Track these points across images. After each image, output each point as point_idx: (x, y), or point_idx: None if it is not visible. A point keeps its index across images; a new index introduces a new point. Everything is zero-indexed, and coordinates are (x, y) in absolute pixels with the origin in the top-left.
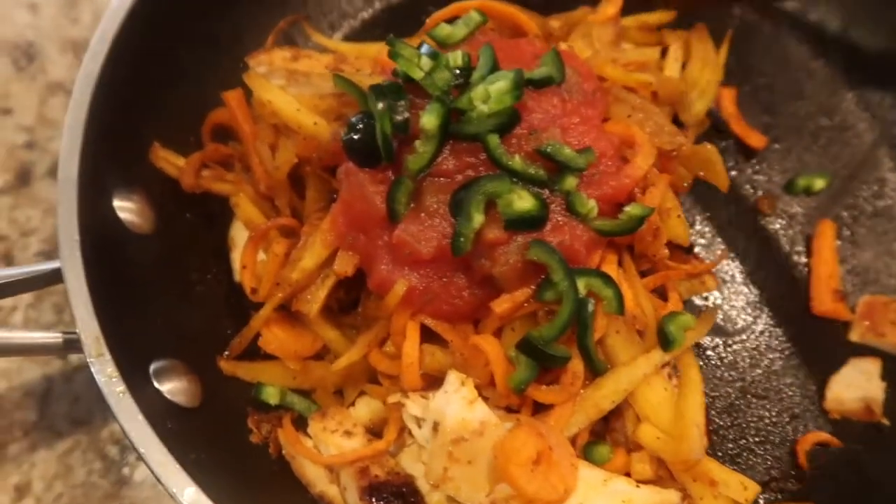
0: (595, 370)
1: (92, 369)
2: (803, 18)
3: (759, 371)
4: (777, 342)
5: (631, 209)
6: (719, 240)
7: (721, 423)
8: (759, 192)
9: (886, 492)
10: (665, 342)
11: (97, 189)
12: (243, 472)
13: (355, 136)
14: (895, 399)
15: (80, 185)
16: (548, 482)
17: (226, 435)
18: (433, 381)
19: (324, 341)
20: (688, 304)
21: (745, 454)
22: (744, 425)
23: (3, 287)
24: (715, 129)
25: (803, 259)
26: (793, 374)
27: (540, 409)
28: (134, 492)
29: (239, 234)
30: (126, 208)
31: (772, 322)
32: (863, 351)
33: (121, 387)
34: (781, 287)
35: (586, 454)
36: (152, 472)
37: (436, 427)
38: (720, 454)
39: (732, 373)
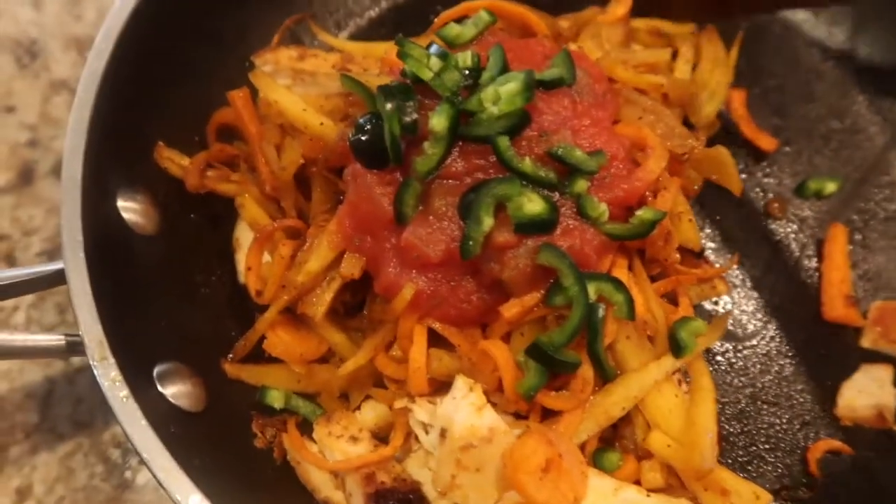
0: (605, 376)
1: (95, 373)
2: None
3: (770, 377)
4: (788, 348)
5: (642, 213)
6: (729, 244)
7: (731, 429)
8: (770, 196)
9: None
10: (676, 348)
11: (101, 189)
12: (247, 478)
13: (363, 137)
14: None
15: (84, 185)
16: (557, 490)
17: (230, 439)
18: (440, 387)
19: (329, 344)
20: (697, 309)
21: (755, 462)
22: (754, 432)
23: (5, 288)
24: (725, 131)
25: (814, 263)
26: (804, 380)
27: (548, 415)
28: (136, 495)
29: (244, 236)
30: (130, 209)
31: (782, 327)
32: (875, 357)
33: (124, 391)
34: (792, 292)
35: (595, 461)
36: (156, 478)
37: (443, 433)
38: (730, 461)
39: (742, 378)
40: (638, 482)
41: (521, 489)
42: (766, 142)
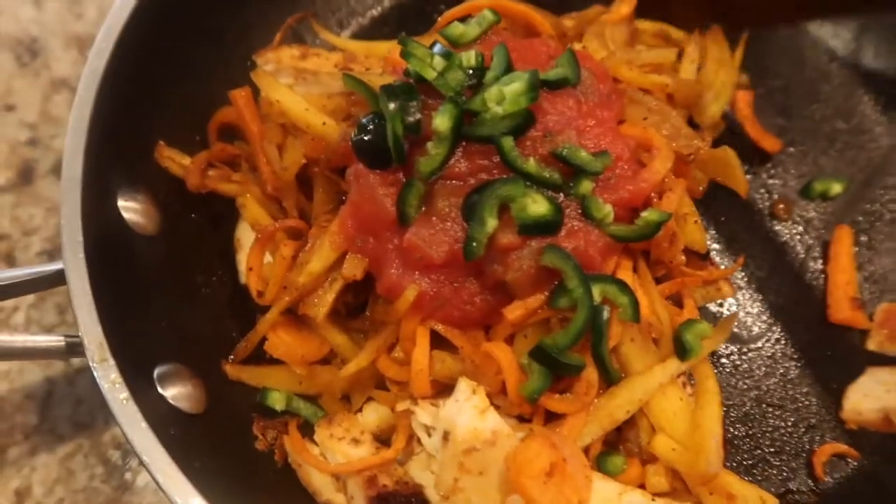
0: (609, 379)
1: (95, 375)
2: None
3: (775, 379)
4: (793, 350)
5: (648, 214)
6: (734, 245)
7: (736, 432)
8: (775, 197)
9: None
10: (681, 351)
11: (101, 189)
12: (248, 480)
13: (365, 137)
14: None
15: (84, 185)
16: (561, 495)
17: (230, 441)
18: (443, 389)
19: (331, 346)
20: (702, 311)
21: (760, 465)
22: (759, 435)
23: (5, 288)
24: (729, 132)
25: (820, 265)
26: (809, 383)
27: (552, 418)
28: (136, 497)
29: (245, 236)
30: (130, 208)
31: (787, 330)
32: (881, 360)
33: (124, 393)
34: (797, 294)
35: (599, 465)
36: (156, 481)
37: (446, 436)
38: (735, 465)
39: (747, 381)
40: (642, 486)
41: (524, 493)
42: (771, 143)
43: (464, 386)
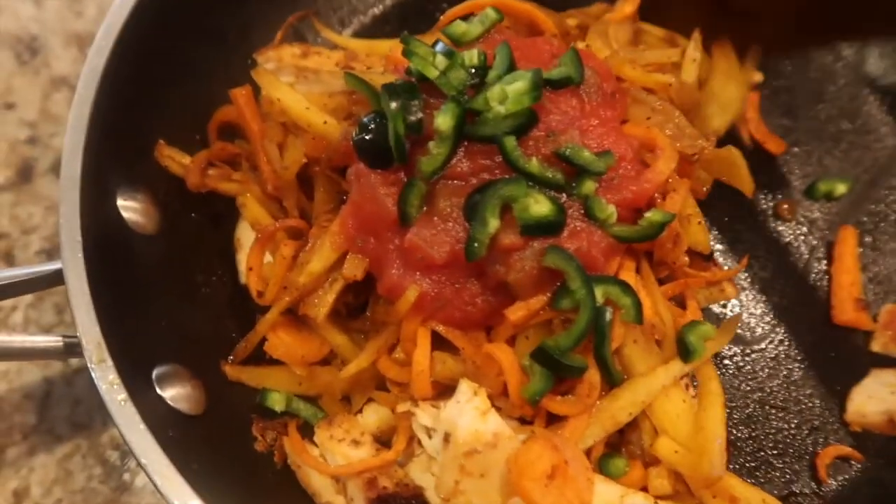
0: (612, 381)
1: (93, 376)
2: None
3: (779, 381)
4: (797, 352)
5: (651, 215)
6: (737, 246)
7: (739, 434)
8: (779, 198)
9: None
10: (685, 352)
11: (100, 188)
12: (247, 482)
13: (367, 137)
14: None
15: (83, 184)
16: (563, 497)
17: (229, 443)
18: (444, 390)
19: (331, 346)
20: (705, 312)
21: (763, 467)
22: (762, 437)
23: (4, 288)
24: (733, 132)
25: (824, 266)
26: (813, 384)
27: (553, 420)
28: (134, 498)
29: (245, 235)
30: (130, 208)
31: (791, 331)
32: (885, 362)
33: (122, 394)
34: (801, 295)
35: (601, 467)
36: (154, 483)
37: (447, 438)
38: (738, 467)
39: (751, 383)
40: (645, 489)
41: (525, 496)
42: (775, 144)
43: (465, 387)
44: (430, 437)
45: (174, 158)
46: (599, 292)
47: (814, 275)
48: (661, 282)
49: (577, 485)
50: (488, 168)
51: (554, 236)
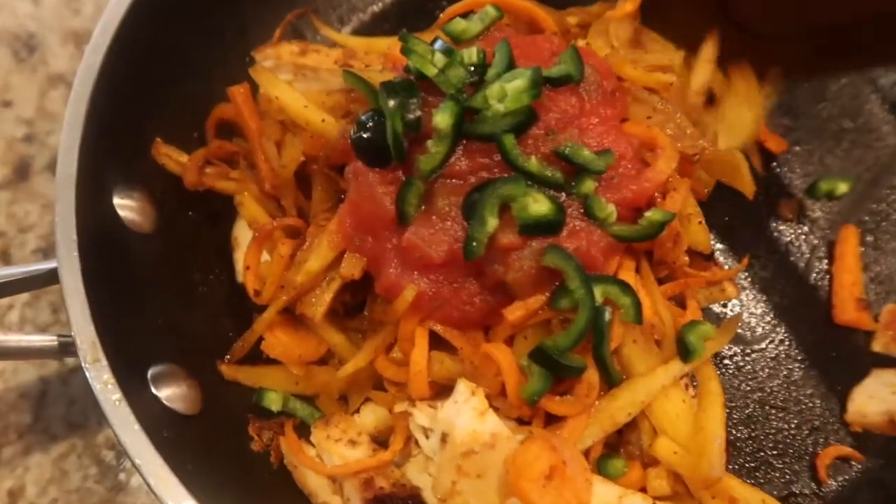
0: (611, 381)
1: (87, 375)
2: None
3: (779, 381)
4: (797, 352)
5: (651, 214)
6: (738, 245)
7: (738, 434)
8: (780, 197)
9: None
10: (685, 352)
11: (97, 186)
12: (243, 482)
13: (365, 135)
14: None
15: (79, 182)
16: (561, 498)
17: (225, 443)
18: (442, 390)
19: (328, 346)
20: (705, 312)
21: (763, 467)
22: (762, 438)
23: (0, 287)
24: None
25: (825, 266)
26: (813, 384)
27: (552, 420)
28: (130, 498)
29: (242, 234)
30: (126, 206)
31: (792, 331)
32: (886, 361)
33: (117, 395)
34: (802, 295)
35: (600, 468)
36: (148, 484)
37: (444, 438)
38: (737, 467)
39: (751, 383)
40: (643, 490)
41: (523, 496)
42: (776, 143)
43: (463, 387)
44: (427, 437)
45: (171, 156)
46: (598, 292)
47: (815, 274)
48: (660, 281)
49: (576, 485)
50: (487, 167)
51: (553, 235)
